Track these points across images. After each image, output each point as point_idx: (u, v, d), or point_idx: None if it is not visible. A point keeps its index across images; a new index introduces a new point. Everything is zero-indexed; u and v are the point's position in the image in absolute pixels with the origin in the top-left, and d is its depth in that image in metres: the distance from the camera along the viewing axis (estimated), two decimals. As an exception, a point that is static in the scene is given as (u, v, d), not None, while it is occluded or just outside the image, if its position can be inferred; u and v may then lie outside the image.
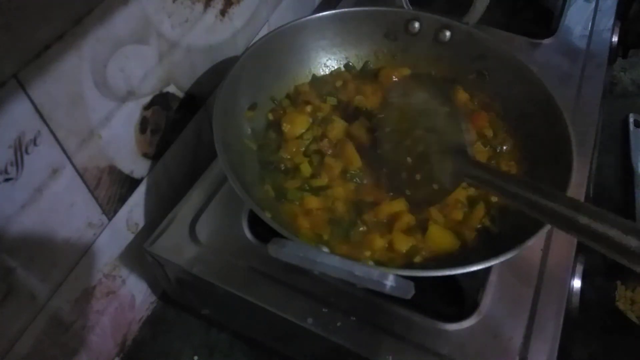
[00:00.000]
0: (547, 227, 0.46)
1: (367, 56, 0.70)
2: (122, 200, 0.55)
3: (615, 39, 0.83)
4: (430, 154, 0.52)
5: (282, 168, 0.58)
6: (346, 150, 0.58)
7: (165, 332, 0.65)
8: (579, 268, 0.54)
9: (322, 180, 0.57)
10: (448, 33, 0.66)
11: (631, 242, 0.35)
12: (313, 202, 0.55)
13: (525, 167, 0.58)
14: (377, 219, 0.54)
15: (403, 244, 0.51)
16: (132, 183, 0.56)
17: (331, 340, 0.48)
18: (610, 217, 0.37)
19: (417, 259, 0.51)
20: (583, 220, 0.37)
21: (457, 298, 0.50)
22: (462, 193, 0.56)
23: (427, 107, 0.54)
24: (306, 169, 0.58)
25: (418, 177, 0.53)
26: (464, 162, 0.48)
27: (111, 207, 0.53)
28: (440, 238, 0.52)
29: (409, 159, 0.54)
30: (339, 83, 0.67)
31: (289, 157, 0.59)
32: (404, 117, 0.57)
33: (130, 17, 0.47)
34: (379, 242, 0.52)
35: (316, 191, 0.56)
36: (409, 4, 0.72)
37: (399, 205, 0.54)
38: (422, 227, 0.53)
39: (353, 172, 0.58)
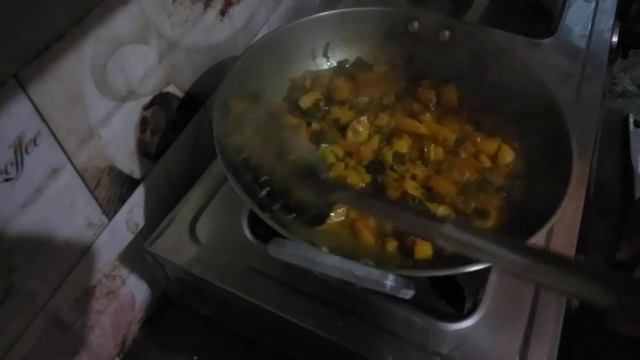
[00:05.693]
0: (547, 227, 0.46)
1: (366, 56, 0.70)
2: (122, 200, 0.55)
3: (615, 39, 0.83)
4: (289, 181, 0.47)
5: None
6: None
7: (165, 332, 0.65)
8: (579, 268, 0.54)
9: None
10: (447, 33, 0.66)
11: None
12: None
13: (525, 168, 0.58)
14: None
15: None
16: (132, 183, 0.56)
17: (331, 340, 0.48)
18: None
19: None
20: (445, 230, 0.35)
21: (457, 298, 0.50)
22: None
23: (272, 130, 0.49)
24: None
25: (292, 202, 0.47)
26: (320, 186, 0.44)
27: (111, 207, 0.53)
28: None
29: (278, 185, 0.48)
30: (307, 83, 0.65)
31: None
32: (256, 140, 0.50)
33: (130, 17, 0.47)
34: None
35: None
36: (408, 4, 0.72)
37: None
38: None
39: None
